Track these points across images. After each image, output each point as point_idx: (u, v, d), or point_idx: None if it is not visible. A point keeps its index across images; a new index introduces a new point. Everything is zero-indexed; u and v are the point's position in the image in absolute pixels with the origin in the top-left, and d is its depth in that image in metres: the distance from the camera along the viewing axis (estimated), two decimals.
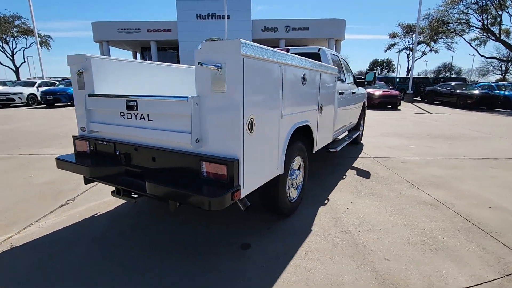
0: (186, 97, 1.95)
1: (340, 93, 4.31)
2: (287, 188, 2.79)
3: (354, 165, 4.89)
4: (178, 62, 39.03)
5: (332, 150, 4.27)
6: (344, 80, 4.92)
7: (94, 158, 2.61)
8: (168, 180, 2.03)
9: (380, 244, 2.50)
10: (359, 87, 5.98)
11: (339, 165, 4.88)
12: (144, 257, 2.27)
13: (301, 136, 3.28)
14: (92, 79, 2.48)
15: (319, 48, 4.30)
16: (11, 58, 32.34)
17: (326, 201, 3.39)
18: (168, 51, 40.23)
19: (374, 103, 14.73)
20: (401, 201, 3.42)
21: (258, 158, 2.11)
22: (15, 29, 31.39)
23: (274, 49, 2.14)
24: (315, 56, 4.22)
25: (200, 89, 1.92)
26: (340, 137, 5.07)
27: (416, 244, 2.51)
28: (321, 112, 3.41)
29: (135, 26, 36.40)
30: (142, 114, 2.24)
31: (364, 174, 4.43)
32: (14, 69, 32.49)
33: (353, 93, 5.19)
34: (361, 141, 6.74)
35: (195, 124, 1.95)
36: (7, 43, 32.42)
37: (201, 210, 2.97)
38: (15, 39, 32.15)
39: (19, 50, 34.01)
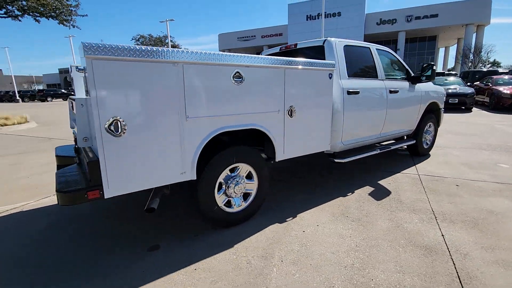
0: (79, 98, 2.14)
1: (353, 92, 3.54)
2: (216, 192, 2.58)
3: (380, 181, 3.93)
4: None
5: (336, 160, 3.62)
6: (378, 76, 4.00)
7: None
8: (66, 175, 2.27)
9: (287, 283, 1.99)
10: (419, 84, 4.69)
11: (360, 179, 4.03)
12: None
13: (254, 141, 2.97)
14: None
15: (325, 40, 3.65)
16: None
17: (289, 219, 2.92)
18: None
19: (504, 104, 10.99)
20: (387, 236, 2.55)
21: (134, 160, 2.07)
22: (165, 46, 39.89)
23: (162, 48, 2.04)
24: (320, 50, 3.63)
25: (81, 92, 2.07)
26: (367, 143, 4.16)
27: None
28: (291, 115, 2.94)
29: (251, 34, 39.68)
30: None
31: (377, 194, 3.50)
32: None
33: (395, 91, 4.14)
34: (429, 153, 5.27)
35: (81, 124, 2.12)
36: None
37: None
38: None
39: None
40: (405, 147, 5.30)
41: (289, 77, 2.85)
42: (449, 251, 2.31)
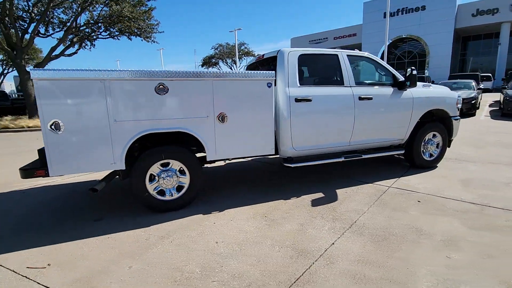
0: None
1: (303, 100, 3.65)
2: (147, 182, 3.18)
3: (338, 190, 3.86)
4: None
5: (285, 164, 3.81)
6: (345, 83, 3.95)
7: None
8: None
9: (157, 256, 2.45)
10: (414, 90, 4.33)
11: (319, 185, 4.02)
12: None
13: (186, 142, 3.42)
14: None
15: (278, 51, 3.82)
16: None
17: (215, 212, 3.30)
18: None
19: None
20: (278, 237, 2.71)
21: (75, 151, 2.84)
22: (240, 53, 42.53)
23: (76, 70, 2.75)
24: (275, 60, 3.84)
25: None
26: (334, 151, 4.11)
27: None
28: (222, 121, 3.33)
29: (323, 36, 38.98)
30: None
31: (319, 201, 3.53)
32: None
33: (367, 98, 3.99)
34: (437, 165, 4.72)
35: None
36: (235, 63, 44.64)
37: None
38: (240, 59, 43.72)
39: (240, 67, 45.87)
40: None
41: (218, 87, 3.24)
42: (320, 257, 2.36)
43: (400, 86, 4.23)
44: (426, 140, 4.65)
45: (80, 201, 3.80)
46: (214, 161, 3.57)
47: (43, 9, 14.62)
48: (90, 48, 18.81)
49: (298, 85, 3.72)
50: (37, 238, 2.81)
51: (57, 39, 15.83)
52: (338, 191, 3.82)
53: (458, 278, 2.05)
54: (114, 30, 17.97)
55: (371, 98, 4.05)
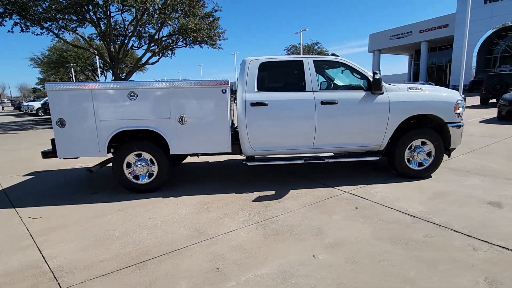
0: None
1: (259, 104, 3.99)
2: (124, 168, 4.08)
3: (293, 190, 4.04)
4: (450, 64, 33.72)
5: (243, 162, 4.24)
6: (306, 88, 4.10)
7: None
8: None
9: (105, 223, 3.29)
10: (394, 94, 4.12)
11: (279, 184, 4.26)
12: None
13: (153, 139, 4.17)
14: None
15: (243, 60, 4.20)
16: None
17: (172, 197, 3.99)
18: (438, 51, 35.04)
19: None
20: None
21: (74, 141, 3.95)
22: (314, 53, 42.04)
23: (74, 83, 3.80)
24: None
25: None
26: (297, 153, 4.29)
27: None
28: (182, 122, 3.98)
29: (406, 30, 35.43)
30: None
31: (262, 198, 3.81)
32: None
33: (331, 102, 4.04)
34: (431, 175, 4.33)
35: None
36: None
37: None
38: None
39: None
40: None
41: (177, 94, 3.92)
42: (209, 239, 2.79)
43: (372, 90, 4.09)
44: (413, 147, 4.31)
45: (93, 180, 5.02)
46: (184, 156, 4.25)
47: (133, 27, 17.88)
48: (171, 56, 21.92)
49: (256, 90, 4.08)
50: (48, 201, 4.03)
51: (152, 51, 19.22)
52: (291, 191, 4.01)
53: (297, 273, 2.22)
54: (190, 39, 20.45)
55: (335, 103, 4.07)
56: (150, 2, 14.30)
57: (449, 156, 4.53)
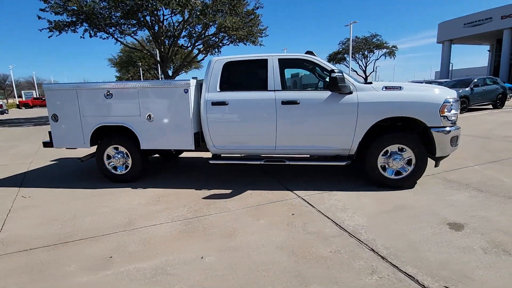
0: None
1: (219, 104, 4.05)
2: (105, 159, 4.56)
3: (248, 190, 4.01)
4: None
5: (208, 159, 4.37)
6: (268, 87, 4.00)
7: None
8: None
9: (79, 205, 3.78)
10: (365, 93, 3.76)
11: (238, 183, 4.25)
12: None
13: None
14: None
15: (209, 60, 4.25)
16: (363, 69, 41.36)
17: (139, 189, 4.32)
18: None
19: None
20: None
21: (64, 134, 4.57)
22: (371, 46, 39.22)
23: (63, 83, 4.36)
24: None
25: None
26: (261, 153, 4.22)
27: None
28: (150, 119, 4.27)
29: (485, 16, 30.71)
30: None
31: (207, 192, 3.87)
32: (364, 78, 41.29)
33: (292, 102, 3.87)
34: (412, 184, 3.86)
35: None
36: (366, 57, 41.50)
37: None
38: (370, 53, 40.27)
39: (371, 62, 41.94)
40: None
41: (144, 93, 4.21)
42: (134, 230, 3.01)
43: (330, 87, 3.77)
44: (389, 153, 3.86)
45: (91, 169, 5.68)
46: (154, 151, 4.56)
47: (181, 28, 19.18)
48: (218, 54, 22.89)
49: (218, 90, 4.13)
50: (48, 184, 4.75)
51: (198, 49, 20.48)
52: (247, 192, 3.98)
53: (170, 271, 2.28)
54: (234, 37, 21.06)
55: (297, 103, 3.88)
56: (191, 4, 15.19)
57: (435, 166, 3.92)
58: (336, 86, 3.57)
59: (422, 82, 17.98)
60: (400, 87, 3.84)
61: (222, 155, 4.40)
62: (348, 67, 41.60)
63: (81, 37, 18.35)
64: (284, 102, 3.92)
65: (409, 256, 2.34)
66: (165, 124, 4.27)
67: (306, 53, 4.39)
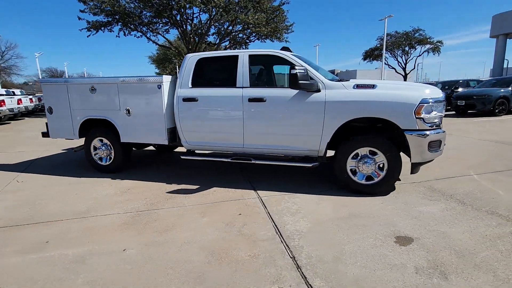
0: None
1: (190, 100, 4.07)
2: (92, 150, 4.85)
3: (217, 188, 3.99)
4: None
5: (181, 155, 4.44)
6: (237, 84, 3.93)
7: None
8: None
9: (69, 190, 4.09)
10: (336, 92, 3.54)
11: (206, 179, 4.24)
12: None
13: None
14: None
15: (185, 56, 4.26)
16: (403, 66, 38.65)
17: (117, 180, 4.53)
18: None
19: None
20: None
21: (58, 125, 4.94)
22: (413, 42, 36.59)
23: (57, 78, 4.70)
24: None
25: None
26: (233, 151, 4.17)
27: None
28: (129, 114, 4.44)
29: None
30: None
31: (168, 187, 3.91)
32: (403, 75, 38.61)
33: (258, 100, 3.77)
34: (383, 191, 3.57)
35: None
36: (406, 54, 38.77)
37: None
38: (412, 49, 37.52)
39: (411, 58, 38.99)
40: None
41: (123, 88, 4.38)
42: (92, 216, 3.17)
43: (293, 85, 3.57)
44: (360, 157, 3.58)
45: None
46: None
47: (207, 26, 19.58)
48: None
49: (190, 86, 4.15)
50: (44, 171, 5.16)
51: (224, 46, 20.83)
52: (212, 189, 3.96)
53: (85, 260, 2.36)
54: (261, 34, 20.99)
55: (263, 100, 3.77)
56: (214, 1, 15.41)
57: (411, 172, 3.56)
58: (296, 83, 3.39)
59: (475, 81, 16.07)
60: (373, 85, 3.54)
61: (196, 151, 4.44)
62: (387, 64, 39.34)
63: (116, 36, 19.55)
64: (251, 99, 3.82)
65: (328, 268, 2.16)
66: (142, 119, 4.41)
67: (281, 49, 4.24)
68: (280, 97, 3.73)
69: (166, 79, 4.22)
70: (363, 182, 3.61)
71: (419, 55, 38.69)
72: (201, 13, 19.19)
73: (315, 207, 3.29)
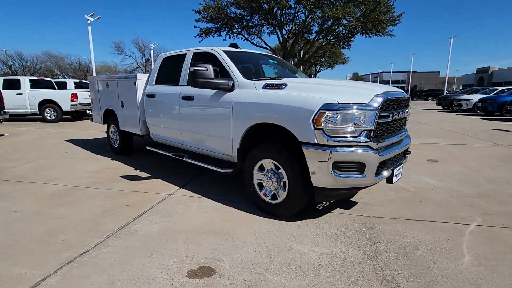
0: None
1: (150, 96, 4.45)
2: (110, 133, 5.99)
3: (156, 180, 4.24)
4: None
5: (147, 146, 4.95)
6: (180, 82, 4.03)
7: None
8: None
9: (59, 189, 5.40)
10: (241, 92, 3.18)
11: (163, 173, 4.47)
12: None
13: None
14: None
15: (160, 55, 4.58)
16: None
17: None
18: None
19: None
20: None
21: (95, 113, 6.34)
22: None
23: (97, 76, 6.01)
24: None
25: None
26: (183, 147, 4.31)
27: None
28: (123, 106, 5.25)
29: None
30: None
31: (113, 179, 4.35)
32: None
33: (188, 98, 3.77)
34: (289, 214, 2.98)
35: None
36: None
37: None
38: None
39: None
40: None
41: (120, 85, 5.21)
42: (68, 204, 4.10)
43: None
44: (266, 170, 3.05)
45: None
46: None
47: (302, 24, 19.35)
48: (348, 48, 21.55)
49: (154, 83, 4.53)
50: (86, 147, 6.71)
51: (321, 42, 20.34)
52: (156, 180, 4.20)
53: None
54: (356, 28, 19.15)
55: (192, 98, 3.73)
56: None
57: (315, 199, 2.71)
58: (194, 81, 3.17)
59: None
60: (284, 85, 2.91)
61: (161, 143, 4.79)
62: None
63: (224, 39, 22.11)
64: (184, 97, 3.84)
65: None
66: (129, 111, 5.12)
67: (230, 45, 4.00)
68: (204, 96, 3.58)
69: (140, 76, 4.75)
70: (268, 199, 3.05)
71: None
72: (303, 10, 19.21)
73: (196, 214, 3.05)
